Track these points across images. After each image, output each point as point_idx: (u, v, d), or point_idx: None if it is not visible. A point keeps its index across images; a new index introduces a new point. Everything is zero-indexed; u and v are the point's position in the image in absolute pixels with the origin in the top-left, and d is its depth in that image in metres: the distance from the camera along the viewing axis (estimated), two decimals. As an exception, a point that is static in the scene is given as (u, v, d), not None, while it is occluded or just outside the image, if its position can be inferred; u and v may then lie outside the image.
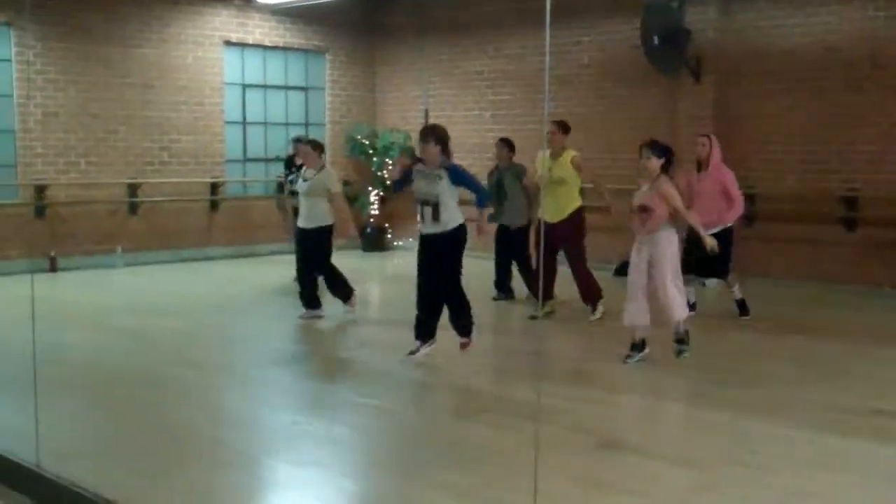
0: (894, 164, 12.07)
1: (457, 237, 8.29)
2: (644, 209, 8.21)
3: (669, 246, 8.25)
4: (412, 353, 8.40)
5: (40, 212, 13.89)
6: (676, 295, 8.29)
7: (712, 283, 11.42)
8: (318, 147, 10.55)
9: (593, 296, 10.48)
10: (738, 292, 10.41)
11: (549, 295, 10.61)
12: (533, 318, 10.45)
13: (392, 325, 10.25)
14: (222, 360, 8.89)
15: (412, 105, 17.30)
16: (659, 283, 8.24)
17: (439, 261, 8.30)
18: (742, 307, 10.43)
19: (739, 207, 10.21)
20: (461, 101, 16.55)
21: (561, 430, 6.45)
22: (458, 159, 16.15)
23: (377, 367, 8.47)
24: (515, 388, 7.58)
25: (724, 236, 9.73)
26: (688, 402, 7.40)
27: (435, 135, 8.21)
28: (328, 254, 10.48)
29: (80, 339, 9.49)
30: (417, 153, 8.66)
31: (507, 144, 11.37)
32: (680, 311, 8.35)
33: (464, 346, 8.55)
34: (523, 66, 15.34)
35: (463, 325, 8.52)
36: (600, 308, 10.42)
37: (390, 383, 7.97)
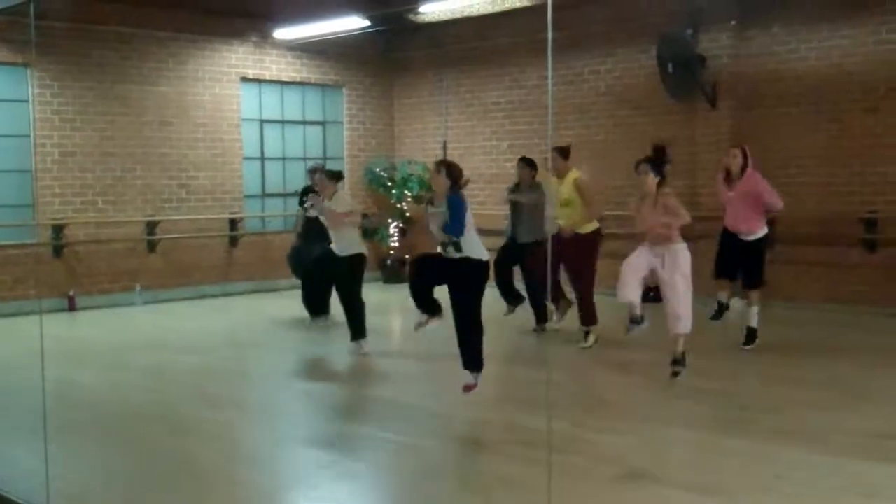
0: (913, 185, 12.01)
1: (480, 270, 8.02)
2: (657, 229, 8.45)
3: (687, 260, 8.49)
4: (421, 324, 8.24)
5: (58, 251, 13.92)
6: (682, 315, 8.48)
7: (737, 306, 11.31)
8: (333, 176, 10.61)
9: (589, 319, 10.47)
10: (754, 319, 10.14)
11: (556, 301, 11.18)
12: (537, 330, 10.84)
13: (411, 358, 10.22)
14: (240, 397, 8.85)
15: (430, 137, 17.33)
16: (672, 294, 8.46)
17: (459, 282, 8.00)
18: (750, 336, 10.12)
19: (777, 199, 10.10)
20: (479, 132, 16.57)
21: (583, 461, 6.38)
22: (477, 189, 16.40)
23: (396, 401, 8.40)
24: (535, 418, 7.50)
25: (757, 245, 9.99)
26: (710, 429, 7.30)
27: (446, 166, 8.04)
28: (360, 282, 10.48)
29: (96, 378, 9.48)
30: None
31: (528, 163, 11.37)
32: (687, 326, 8.53)
33: (468, 388, 8.04)
34: (540, 96, 15.35)
35: (471, 357, 8.10)
36: (592, 337, 10.42)
37: (409, 416, 7.90)
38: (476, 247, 8.00)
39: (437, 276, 8.09)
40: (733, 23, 13.24)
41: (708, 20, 13.30)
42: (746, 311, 10.19)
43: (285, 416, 8.04)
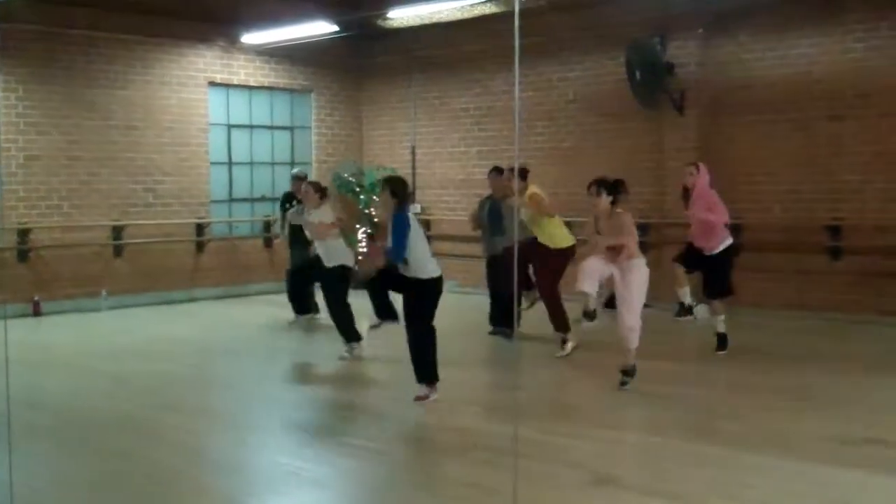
0: (877, 192, 12.12)
1: (432, 288, 8.14)
2: (615, 248, 8.49)
3: (640, 276, 8.50)
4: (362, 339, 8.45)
5: (23, 256, 13.78)
6: (636, 327, 8.51)
7: (702, 314, 11.35)
8: (319, 189, 10.79)
9: (561, 325, 10.46)
10: (721, 326, 10.24)
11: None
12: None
13: (380, 363, 10.19)
14: (206, 404, 8.78)
15: (399, 142, 17.32)
16: (626, 308, 8.48)
17: (410, 298, 8.16)
18: (722, 342, 10.22)
19: (720, 227, 10.03)
20: (447, 138, 16.58)
21: (553, 467, 6.39)
22: (445, 195, 16.39)
23: (364, 406, 8.40)
24: (503, 424, 7.49)
25: (720, 258, 10.05)
26: (677, 436, 7.33)
27: (391, 184, 8.12)
28: (345, 294, 10.50)
29: (61, 384, 9.39)
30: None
31: (500, 173, 11.32)
32: (634, 343, 8.56)
33: (419, 398, 8.17)
34: (509, 103, 15.37)
35: (423, 370, 8.22)
36: (569, 345, 10.37)
37: (377, 422, 7.89)
38: (423, 265, 8.07)
39: (393, 283, 8.21)
40: (701, 31, 13.31)
41: (676, 28, 13.39)
42: (713, 319, 10.26)
43: (252, 423, 7.99)
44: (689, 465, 6.53)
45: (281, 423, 8.06)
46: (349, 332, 10.37)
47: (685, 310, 10.11)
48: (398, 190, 8.10)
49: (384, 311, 8.38)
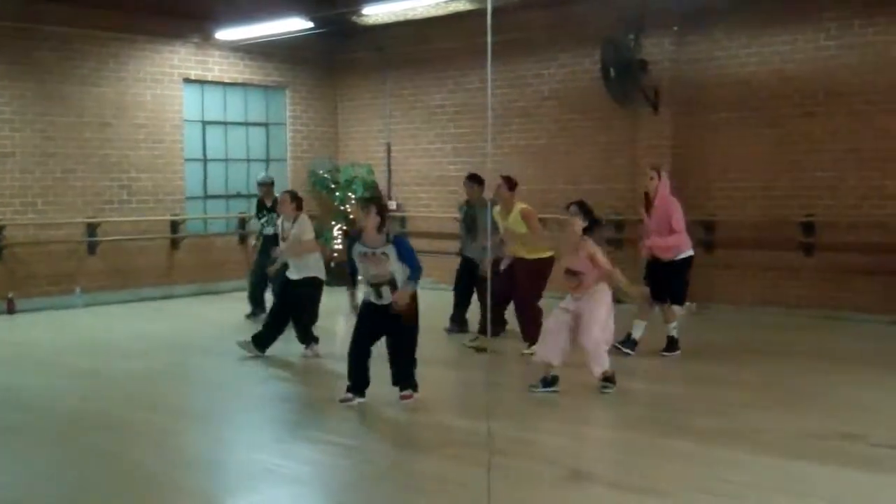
0: (849, 189, 12.23)
1: (415, 302, 8.11)
2: (573, 273, 8.35)
3: (603, 302, 8.34)
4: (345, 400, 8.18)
5: (-3, 253, 13.74)
6: (601, 350, 8.36)
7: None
8: (295, 199, 10.55)
9: (530, 338, 10.07)
10: (673, 329, 10.10)
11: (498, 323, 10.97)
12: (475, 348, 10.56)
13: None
14: (182, 402, 8.76)
15: (374, 139, 17.32)
16: (586, 336, 8.27)
17: (400, 325, 8.09)
18: (671, 344, 10.10)
19: (678, 244, 9.93)
20: (423, 135, 16.59)
21: (527, 463, 6.43)
22: (420, 192, 16.40)
23: (340, 405, 8.38)
24: (480, 420, 7.51)
25: (680, 265, 9.96)
26: (650, 431, 7.37)
27: (376, 205, 7.98)
28: (316, 307, 10.53)
29: (35, 382, 9.34)
30: (357, 219, 8.35)
31: (476, 181, 11.34)
32: (602, 367, 8.38)
33: (406, 397, 8.21)
34: (484, 100, 15.38)
35: (409, 377, 8.26)
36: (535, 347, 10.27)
37: (352, 419, 7.89)
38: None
39: (375, 329, 8.16)
40: (675, 28, 13.37)
41: (650, 25, 13.42)
42: (666, 325, 10.17)
43: (228, 420, 7.98)
44: (663, 460, 6.58)
45: (256, 420, 8.06)
46: (308, 337, 10.43)
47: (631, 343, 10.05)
48: (383, 209, 8.01)
49: (360, 380, 8.19)
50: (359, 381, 8.17)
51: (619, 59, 13.29)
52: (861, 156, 12.15)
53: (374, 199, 8.30)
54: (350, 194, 16.30)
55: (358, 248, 7.96)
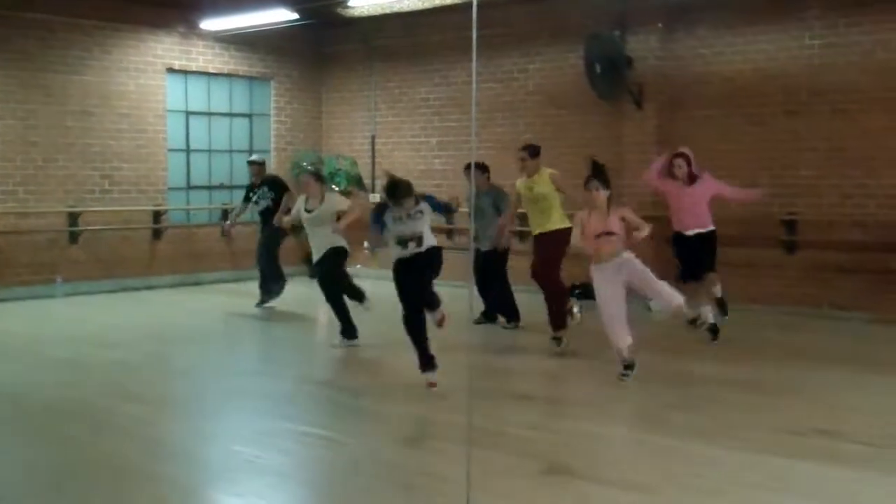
0: (832, 188, 12.29)
1: (440, 251, 8.75)
2: (609, 234, 8.53)
3: (638, 261, 8.63)
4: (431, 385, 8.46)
5: (-23, 242, 13.64)
6: (669, 287, 8.74)
7: (657, 307, 11.43)
8: (320, 178, 10.82)
9: (560, 322, 10.13)
10: (718, 291, 10.57)
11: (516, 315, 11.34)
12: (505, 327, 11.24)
13: (338, 352, 10.18)
14: (162, 392, 8.73)
15: (358, 131, 17.28)
16: (656, 292, 8.68)
17: (429, 272, 8.67)
18: (722, 306, 10.68)
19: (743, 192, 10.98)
20: (408, 128, 16.56)
21: (506, 456, 6.43)
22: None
23: (320, 395, 8.39)
24: (458, 413, 7.51)
25: (710, 237, 10.47)
26: (632, 426, 7.39)
27: (414, 194, 8.69)
28: (343, 275, 10.59)
29: (15, 372, 9.29)
30: (388, 201, 8.77)
31: (480, 168, 11.34)
32: (679, 297, 8.76)
33: (442, 320, 8.82)
34: (469, 93, 15.36)
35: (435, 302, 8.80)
36: (564, 342, 10.07)
37: (335, 411, 7.89)
38: (431, 237, 8.73)
39: (417, 279, 8.61)
40: (660, 25, 13.40)
41: (635, 22, 13.46)
42: (710, 292, 10.50)
43: (208, 411, 7.96)
44: (643, 456, 6.60)
45: (237, 412, 8.04)
46: (347, 324, 10.33)
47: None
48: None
49: (428, 357, 8.57)
50: (427, 358, 8.54)
51: (605, 55, 13.32)
52: (844, 155, 12.20)
53: (409, 189, 8.76)
54: (334, 186, 16.26)
55: (393, 213, 8.64)
